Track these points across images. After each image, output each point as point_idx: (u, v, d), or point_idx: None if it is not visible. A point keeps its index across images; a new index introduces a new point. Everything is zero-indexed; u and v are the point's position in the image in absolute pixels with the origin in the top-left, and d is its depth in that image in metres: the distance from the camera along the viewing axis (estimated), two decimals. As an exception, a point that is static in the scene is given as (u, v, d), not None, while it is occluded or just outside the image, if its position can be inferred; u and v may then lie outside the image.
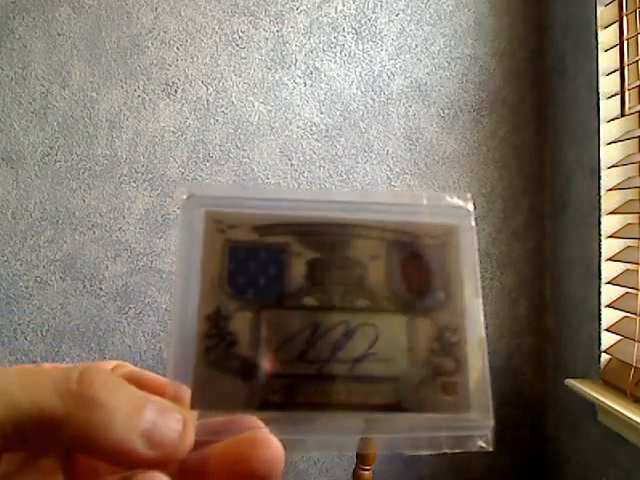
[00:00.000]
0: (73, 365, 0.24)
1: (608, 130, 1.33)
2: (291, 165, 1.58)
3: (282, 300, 0.23)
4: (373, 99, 1.59)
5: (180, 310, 0.23)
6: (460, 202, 0.25)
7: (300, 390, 0.22)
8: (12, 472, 0.20)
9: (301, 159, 1.58)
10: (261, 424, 0.21)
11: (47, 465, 0.20)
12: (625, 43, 1.30)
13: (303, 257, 0.24)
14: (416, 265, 0.24)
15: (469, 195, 0.26)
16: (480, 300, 0.24)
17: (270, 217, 0.24)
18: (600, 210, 1.33)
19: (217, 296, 0.23)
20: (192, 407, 0.21)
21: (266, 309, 0.23)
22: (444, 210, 0.25)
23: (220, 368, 0.22)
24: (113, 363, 0.25)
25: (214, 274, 0.23)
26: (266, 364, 0.22)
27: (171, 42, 1.55)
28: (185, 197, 0.24)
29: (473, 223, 0.25)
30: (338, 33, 1.59)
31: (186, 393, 0.21)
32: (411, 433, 0.23)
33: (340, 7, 1.59)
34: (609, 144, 1.33)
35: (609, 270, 1.33)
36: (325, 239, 0.24)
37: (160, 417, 0.19)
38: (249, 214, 0.24)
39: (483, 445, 0.22)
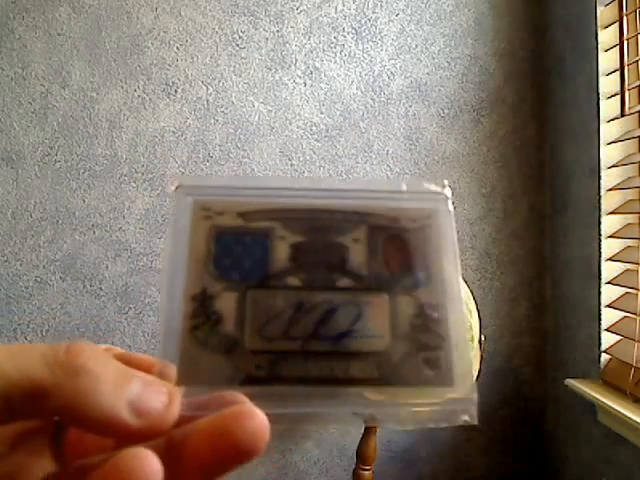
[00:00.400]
0: None
1: (608, 130, 1.33)
2: (291, 165, 1.58)
3: (266, 280, 0.24)
4: (373, 99, 1.59)
5: (168, 291, 0.24)
6: (438, 188, 0.26)
7: (283, 366, 0.23)
8: (2, 453, 0.20)
9: (301, 159, 1.58)
10: (246, 399, 0.21)
11: (36, 446, 0.21)
12: (625, 43, 1.30)
13: (287, 240, 0.25)
14: (396, 247, 0.25)
15: (446, 182, 0.27)
16: (460, 280, 0.25)
17: (255, 204, 0.25)
18: (600, 210, 1.33)
19: (204, 277, 0.24)
20: (178, 383, 0.22)
21: (251, 289, 0.24)
22: (422, 196, 0.26)
23: (205, 345, 0.23)
24: (102, 347, 0.25)
25: (201, 257, 0.24)
26: (250, 341, 0.23)
27: (171, 42, 1.55)
28: (174, 188, 0.26)
29: (451, 207, 0.26)
30: (338, 33, 1.59)
31: (173, 370, 0.22)
32: (394, 407, 0.23)
33: (340, 7, 1.59)
34: (609, 144, 1.33)
35: (609, 270, 1.33)
36: (308, 224, 0.25)
37: (146, 388, 0.20)
38: (235, 202, 0.25)
39: (467, 419, 0.23)
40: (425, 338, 0.24)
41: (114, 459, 0.18)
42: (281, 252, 0.25)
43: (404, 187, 0.26)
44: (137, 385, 0.20)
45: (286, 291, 0.24)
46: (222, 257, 0.24)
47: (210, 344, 0.23)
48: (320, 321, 0.23)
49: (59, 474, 0.21)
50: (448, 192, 0.26)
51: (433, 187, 0.26)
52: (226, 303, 0.23)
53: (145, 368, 0.22)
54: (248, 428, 0.19)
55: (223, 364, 0.23)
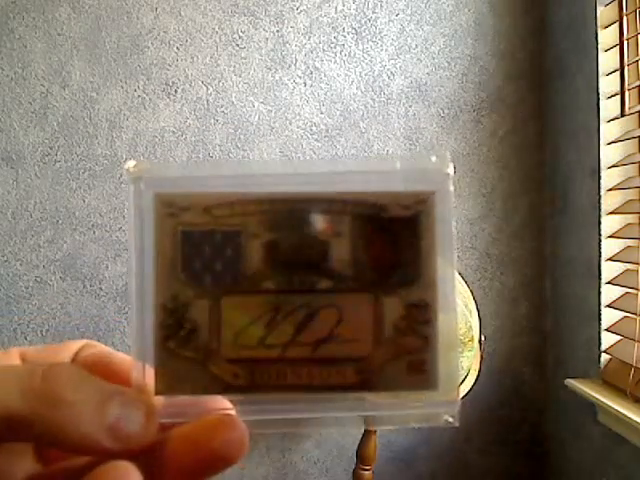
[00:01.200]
0: (41, 349, 0.24)
1: (608, 130, 1.33)
2: (291, 165, 1.57)
3: (240, 285, 0.22)
4: (373, 99, 1.59)
5: (137, 299, 0.22)
6: (438, 164, 0.23)
7: (262, 374, 0.22)
8: None
9: (301, 159, 1.58)
10: (228, 405, 0.21)
11: (17, 447, 0.21)
12: (625, 43, 1.30)
13: (261, 238, 0.22)
14: (383, 240, 0.23)
15: (448, 155, 0.23)
16: (455, 272, 0.23)
17: (224, 196, 0.22)
18: (600, 210, 1.33)
19: (173, 284, 0.22)
20: (156, 393, 0.21)
21: (225, 295, 0.22)
22: (419, 175, 0.23)
23: (181, 355, 0.22)
24: (81, 343, 0.25)
25: (168, 261, 0.22)
26: (227, 350, 0.22)
27: (171, 42, 1.55)
28: (131, 180, 0.22)
29: (451, 188, 0.22)
30: (338, 33, 1.59)
31: (151, 377, 0.22)
32: (376, 411, 0.23)
33: (340, 7, 1.59)
34: (609, 144, 1.33)
35: (609, 270, 1.33)
36: (284, 217, 0.23)
37: (123, 410, 0.20)
38: (202, 194, 0.22)
39: (449, 420, 0.22)
40: (410, 341, 0.22)
41: (96, 472, 0.18)
42: (255, 252, 0.22)
43: (398, 165, 0.23)
44: (115, 407, 0.20)
45: (262, 296, 0.22)
46: (191, 260, 0.22)
47: (186, 353, 0.22)
48: (299, 327, 0.22)
49: (41, 475, 0.21)
50: (451, 169, 0.22)
51: (433, 163, 0.23)
52: (199, 311, 0.22)
53: (125, 372, 0.22)
54: (226, 437, 0.20)
55: (200, 374, 0.22)
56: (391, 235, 0.23)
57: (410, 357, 0.22)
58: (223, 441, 0.19)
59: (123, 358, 0.24)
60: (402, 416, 0.23)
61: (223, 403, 0.22)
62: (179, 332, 0.22)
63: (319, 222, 0.23)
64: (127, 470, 0.18)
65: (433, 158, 0.23)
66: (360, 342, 0.22)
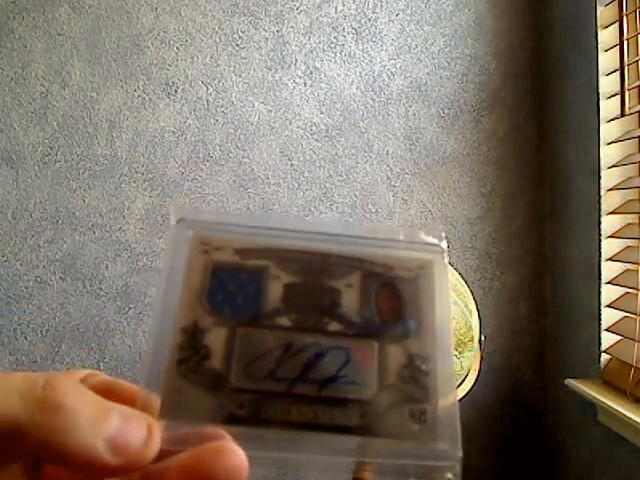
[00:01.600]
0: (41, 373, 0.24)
1: (608, 130, 1.33)
2: (291, 165, 1.58)
3: (257, 319, 0.24)
4: (373, 99, 1.59)
5: (159, 321, 0.24)
6: (435, 240, 0.27)
7: (267, 407, 0.23)
8: None
9: (301, 159, 1.58)
10: (227, 436, 0.21)
11: (12, 475, 0.20)
12: (625, 43, 1.30)
13: (281, 280, 0.25)
14: (389, 295, 0.25)
15: (443, 234, 0.27)
16: (451, 333, 0.25)
17: (253, 242, 0.26)
18: (600, 210, 1.33)
19: (196, 310, 0.24)
20: (160, 416, 0.22)
21: (241, 326, 0.24)
22: (419, 246, 0.27)
23: (191, 380, 0.23)
24: (85, 372, 0.24)
25: (195, 290, 0.24)
26: (235, 379, 0.23)
27: (171, 42, 1.55)
28: (175, 220, 0.26)
29: (446, 260, 0.26)
30: (338, 33, 1.59)
31: (156, 402, 0.22)
32: (376, 458, 0.23)
33: (340, 7, 1.59)
34: (609, 144, 1.33)
35: (609, 270, 1.33)
36: (303, 265, 0.25)
37: (125, 423, 0.19)
38: (233, 238, 0.26)
39: (451, 477, 0.22)
40: (412, 390, 0.23)
41: None
42: (274, 291, 0.25)
43: (401, 236, 0.27)
44: (115, 420, 0.19)
45: (276, 331, 0.24)
46: (216, 292, 0.25)
47: (195, 379, 0.23)
48: (307, 364, 0.23)
49: None
50: (444, 244, 0.27)
51: (430, 238, 0.27)
52: (215, 338, 0.23)
53: (128, 398, 0.22)
54: (227, 465, 0.19)
55: (206, 400, 0.22)
56: (395, 291, 0.26)
57: (411, 406, 0.23)
58: (223, 468, 0.19)
59: (128, 386, 0.24)
60: (401, 467, 0.23)
61: (223, 434, 0.21)
62: (194, 356, 0.23)
63: (334, 273, 0.26)
64: None
65: (430, 235, 0.27)
66: (365, 386, 0.23)
